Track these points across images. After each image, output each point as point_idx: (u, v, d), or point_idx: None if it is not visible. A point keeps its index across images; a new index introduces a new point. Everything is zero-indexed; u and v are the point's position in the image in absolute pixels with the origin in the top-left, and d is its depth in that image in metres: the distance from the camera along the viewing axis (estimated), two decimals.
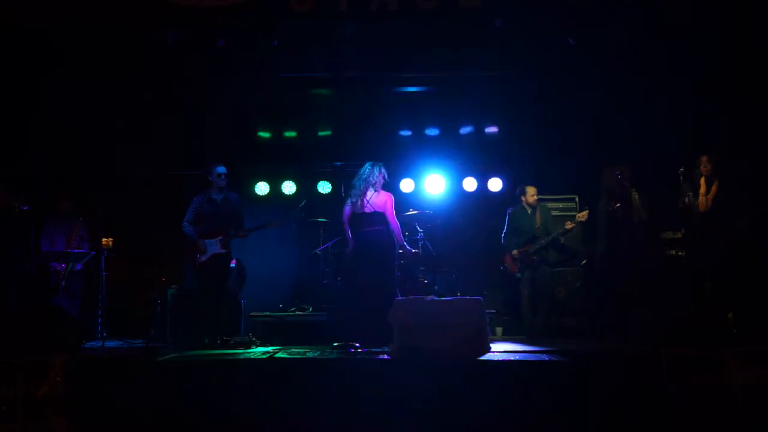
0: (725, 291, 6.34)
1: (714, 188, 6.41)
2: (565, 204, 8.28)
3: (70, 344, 5.30)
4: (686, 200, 6.44)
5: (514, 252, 7.37)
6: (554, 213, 7.85)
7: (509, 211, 7.59)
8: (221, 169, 6.77)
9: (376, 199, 6.32)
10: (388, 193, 6.43)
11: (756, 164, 6.92)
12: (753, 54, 6.59)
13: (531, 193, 7.44)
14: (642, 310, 5.63)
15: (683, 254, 6.77)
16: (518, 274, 7.37)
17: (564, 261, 7.70)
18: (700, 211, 6.46)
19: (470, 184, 8.65)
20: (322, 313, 7.45)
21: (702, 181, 6.47)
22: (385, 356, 5.35)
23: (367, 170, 6.39)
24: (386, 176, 6.43)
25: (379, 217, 6.30)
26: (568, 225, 7.19)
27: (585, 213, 7.05)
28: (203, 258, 6.61)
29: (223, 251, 6.65)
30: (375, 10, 5.86)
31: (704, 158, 6.46)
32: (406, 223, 7.93)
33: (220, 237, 6.62)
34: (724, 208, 6.37)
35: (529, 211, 7.44)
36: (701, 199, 6.45)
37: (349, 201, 6.39)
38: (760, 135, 7.03)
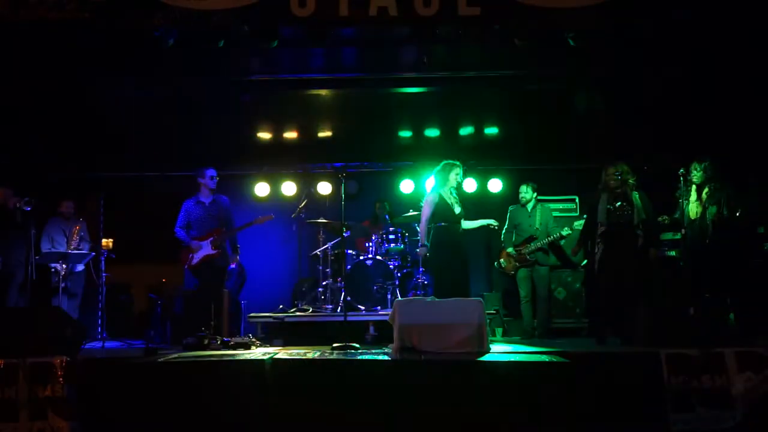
0: (725, 292, 6.35)
1: (704, 194, 6.41)
2: (566, 205, 8.29)
3: (70, 345, 5.30)
4: (681, 206, 6.48)
5: (509, 250, 7.39)
6: (554, 214, 7.86)
7: (510, 208, 7.62)
8: (214, 171, 6.81)
9: None
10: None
11: (748, 168, 6.94)
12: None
13: (522, 192, 7.48)
14: (641, 310, 5.62)
15: (683, 255, 6.77)
16: (512, 272, 7.39)
17: (559, 266, 7.71)
18: (690, 218, 6.47)
19: (470, 184, 8.66)
20: (322, 313, 7.46)
21: (693, 188, 6.48)
22: (385, 356, 5.35)
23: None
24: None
25: None
26: (565, 232, 7.21)
27: (582, 222, 7.08)
28: (195, 260, 6.65)
29: (214, 252, 6.67)
30: (375, 15, 5.86)
31: (695, 164, 6.46)
32: (407, 225, 7.95)
33: (211, 239, 6.65)
34: (716, 214, 6.36)
35: (528, 209, 7.45)
36: (691, 205, 6.47)
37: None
38: (754, 139, 7.05)
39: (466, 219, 6.55)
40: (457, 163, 6.49)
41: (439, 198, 6.40)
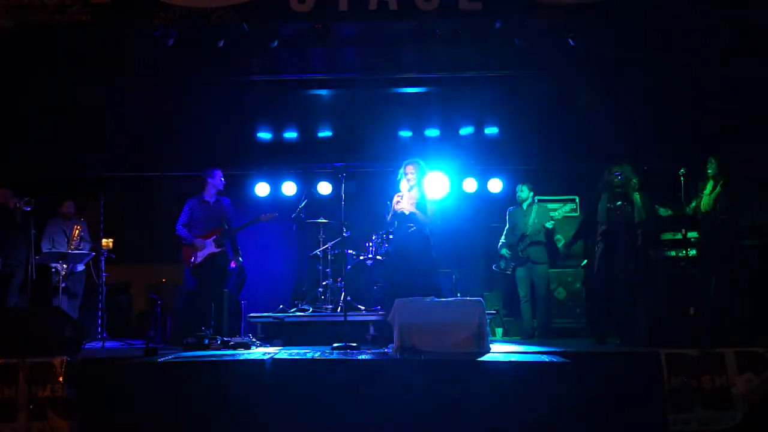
0: (728, 291, 6.35)
1: (719, 189, 6.42)
2: (566, 205, 8.29)
3: (70, 345, 5.30)
4: (694, 203, 6.49)
5: (503, 251, 7.42)
6: (555, 214, 7.85)
7: (509, 210, 7.62)
8: (221, 172, 6.86)
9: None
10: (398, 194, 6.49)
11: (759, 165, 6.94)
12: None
13: (518, 192, 7.53)
14: (642, 310, 5.62)
15: (683, 254, 6.77)
16: (509, 272, 7.39)
17: (557, 265, 7.70)
18: (702, 212, 6.47)
19: (470, 184, 8.66)
20: (322, 313, 7.45)
21: (708, 181, 6.49)
22: (385, 356, 5.35)
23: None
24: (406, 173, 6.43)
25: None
26: (549, 225, 7.25)
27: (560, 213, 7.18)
28: (199, 258, 6.67)
29: (217, 250, 6.71)
30: (375, 9, 5.85)
31: (711, 158, 6.48)
32: None
33: (215, 237, 6.68)
34: (727, 208, 6.37)
35: (524, 209, 7.46)
36: (705, 199, 6.47)
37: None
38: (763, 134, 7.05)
39: (430, 220, 6.44)
40: (411, 160, 6.44)
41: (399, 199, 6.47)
